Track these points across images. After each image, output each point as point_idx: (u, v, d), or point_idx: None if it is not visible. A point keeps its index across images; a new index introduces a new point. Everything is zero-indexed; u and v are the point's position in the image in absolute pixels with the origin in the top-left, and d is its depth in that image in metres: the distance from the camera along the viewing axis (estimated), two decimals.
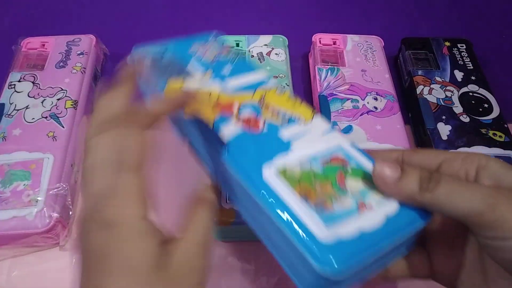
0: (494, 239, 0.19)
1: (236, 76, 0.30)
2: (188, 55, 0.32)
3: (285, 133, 0.26)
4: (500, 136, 0.42)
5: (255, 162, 0.24)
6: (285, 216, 0.21)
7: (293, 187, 0.22)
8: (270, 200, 0.22)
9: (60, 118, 0.42)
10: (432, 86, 0.47)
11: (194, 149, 0.30)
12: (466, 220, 0.20)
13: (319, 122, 0.27)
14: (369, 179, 0.23)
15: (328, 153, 0.24)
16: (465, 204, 0.19)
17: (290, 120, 0.27)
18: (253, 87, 0.29)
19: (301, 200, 0.21)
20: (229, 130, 0.26)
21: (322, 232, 0.20)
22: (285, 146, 0.25)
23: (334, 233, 0.20)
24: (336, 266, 0.19)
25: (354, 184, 0.23)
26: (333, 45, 0.51)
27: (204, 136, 0.27)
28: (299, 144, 0.25)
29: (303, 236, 0.20)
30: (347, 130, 0.42)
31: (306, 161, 0.24)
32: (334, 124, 0.42)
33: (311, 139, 0.25)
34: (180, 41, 0.34)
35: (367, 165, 0.24)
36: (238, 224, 0.35)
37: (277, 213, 0.21)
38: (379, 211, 0.21)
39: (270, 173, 0.23)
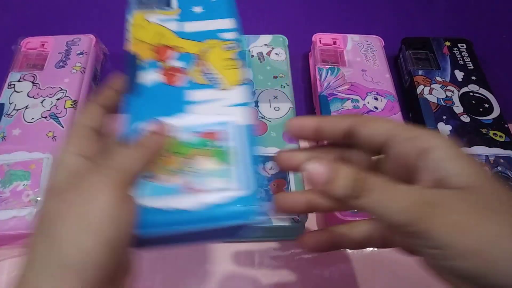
0: (420, 247, 0.19)
1: (201, 19, 0.30)
2: None
3: (195, 94, 0.26)
4: (500, 136, 0.42)
5: (141, 114, 0.24)
6: None
7: None
8: None
9: (59, 118, 0.42)
10: (432, 86, 0.47)
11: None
12: (393, 229, 0.20)
13: (237, 93, 0.26)
14: (224, 164, 0.23)
15: (208, 126, 0.25)
16: (391, 216, 0.19)
17: (212, 82, 0.27)
18: (206, 36, 0.29)
19: None
20: (149, 76, 0.26)
21: (140, 198, 0.22)
22: (181, 108, 0.25)
23: (147, 202, 0.21)
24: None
25: (204, 164, 0.23)
26: (333, 45, 0.50)
27: (132, 75, 0.27)
28: (197, 109, 0.25)
29: None
30: None
31: (182, 128, 0.24)
32: None
33: (211, 108, 0.25)
34: None
35: (238, 150, 0.24)
36: None
37: None
38: (205, 197, 0.22)
39: (139, 130, 0.24)
